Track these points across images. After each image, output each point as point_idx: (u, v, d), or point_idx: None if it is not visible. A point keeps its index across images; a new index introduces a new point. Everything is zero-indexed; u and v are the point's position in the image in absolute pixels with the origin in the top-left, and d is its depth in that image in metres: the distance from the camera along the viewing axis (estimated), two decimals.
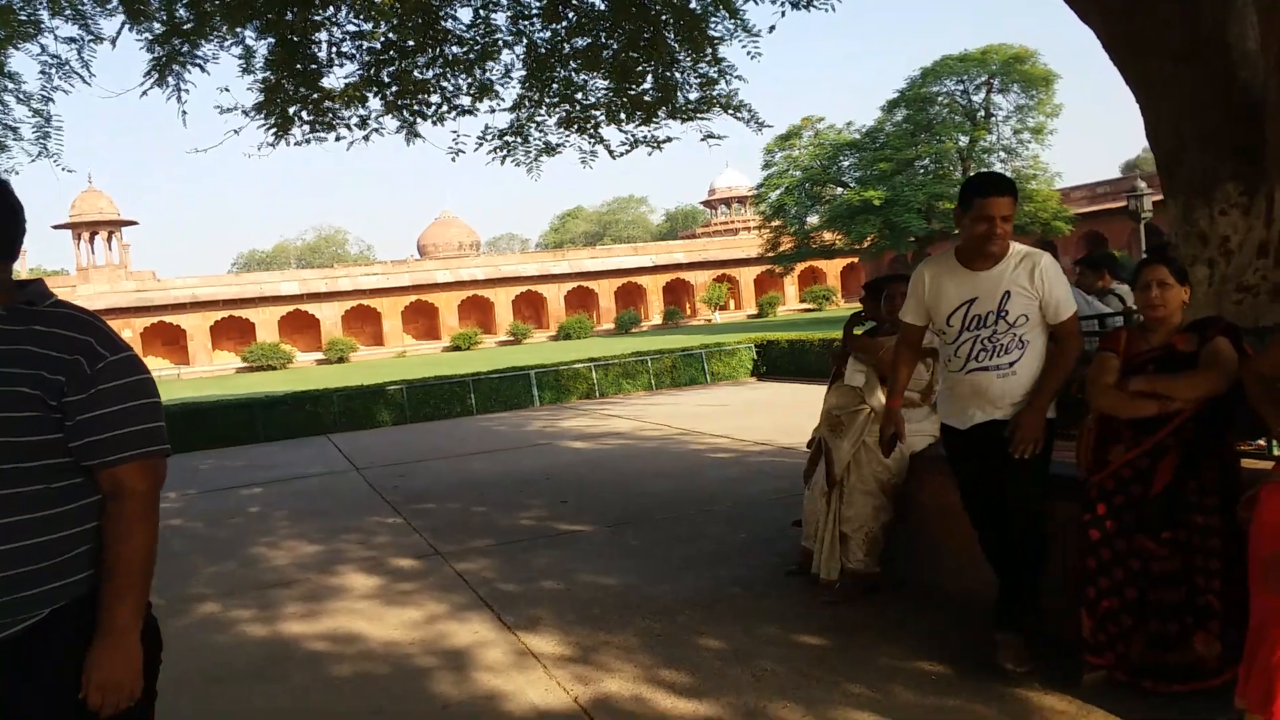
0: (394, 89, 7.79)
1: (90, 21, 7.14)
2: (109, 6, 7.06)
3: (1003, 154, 36.35)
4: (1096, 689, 3.07)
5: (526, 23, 7.59)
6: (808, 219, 39.66)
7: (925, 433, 4.42)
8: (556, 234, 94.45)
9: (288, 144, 8.11)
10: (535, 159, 8.79)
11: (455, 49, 7.68)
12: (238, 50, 7.39)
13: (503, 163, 8.79)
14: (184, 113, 7.53)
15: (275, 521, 7.91)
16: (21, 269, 46.42)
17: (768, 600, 4.52)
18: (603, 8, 7.38)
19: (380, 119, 8.14)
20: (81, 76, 7.36)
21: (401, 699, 3.74)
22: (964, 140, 36.01)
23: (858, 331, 5.05)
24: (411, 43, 7.29)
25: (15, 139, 7.88)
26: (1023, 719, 3.03)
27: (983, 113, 36.16)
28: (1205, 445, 2.99)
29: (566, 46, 7.62)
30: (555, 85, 8.00)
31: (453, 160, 9.13)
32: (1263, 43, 4.08)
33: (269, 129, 7.86)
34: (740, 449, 9.52)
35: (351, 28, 7.43)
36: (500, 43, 7.69)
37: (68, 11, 7.01)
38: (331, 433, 15.34)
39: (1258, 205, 4.26)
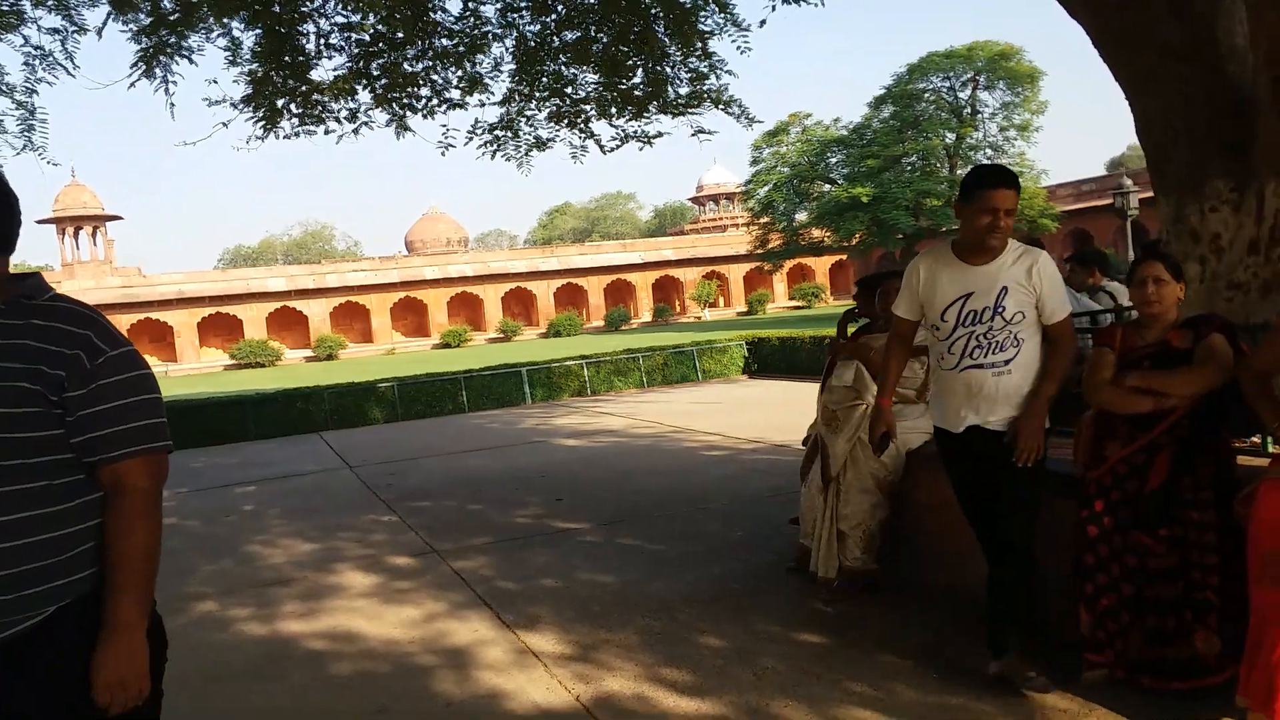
0: (383, 82, 7.73)
1: (74, 12, 7.03)
2: None
3: (989, 151, 36.60)
4: (1097, 687, 3.09)
5: (516, 15, 7.55)
6: (796, 216, 39.77)
7: (921, 429, 4.41)
8: (545, 230, 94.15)
9: (277, 137, 8.07)
10: (525, 153, 8.74)
11: (445, 41, 7.64)
12: (224, 42, 7.32)
13: (493, 157, 8.78)
14: (172, 105, 7.48)
15: (270, 520, 7.89)
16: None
17: (766, 598, 4.54)
18: (592, 1, 7.36)
19: (370, 112, 8.09)
20: (66, 68, 7.27)
21: (403, 697, 3.74)
22: (951, 137, 36.23)
23: (852, 328, 5.07)
24: (400, 35, 7.22)
25: None
26: (1024, 717, 3.05)
27: (969, 110, 36.38)
28: (1200, 441, 3.01)
29: (556, 39, 7.59)
30: (545, 79, 7.96)
31: (443, 154, 9.08)
32: (1252, 38, 4.10)
33: (257, 121, 7.80)
34: (733, 446, 9.54)
35: (340, 19, 7.36)
36: (490, 35, 7.65)
37: (50, 2, 6.90)
38: (323, 430, 15.31)
39: (1248, 202, 4.27)
